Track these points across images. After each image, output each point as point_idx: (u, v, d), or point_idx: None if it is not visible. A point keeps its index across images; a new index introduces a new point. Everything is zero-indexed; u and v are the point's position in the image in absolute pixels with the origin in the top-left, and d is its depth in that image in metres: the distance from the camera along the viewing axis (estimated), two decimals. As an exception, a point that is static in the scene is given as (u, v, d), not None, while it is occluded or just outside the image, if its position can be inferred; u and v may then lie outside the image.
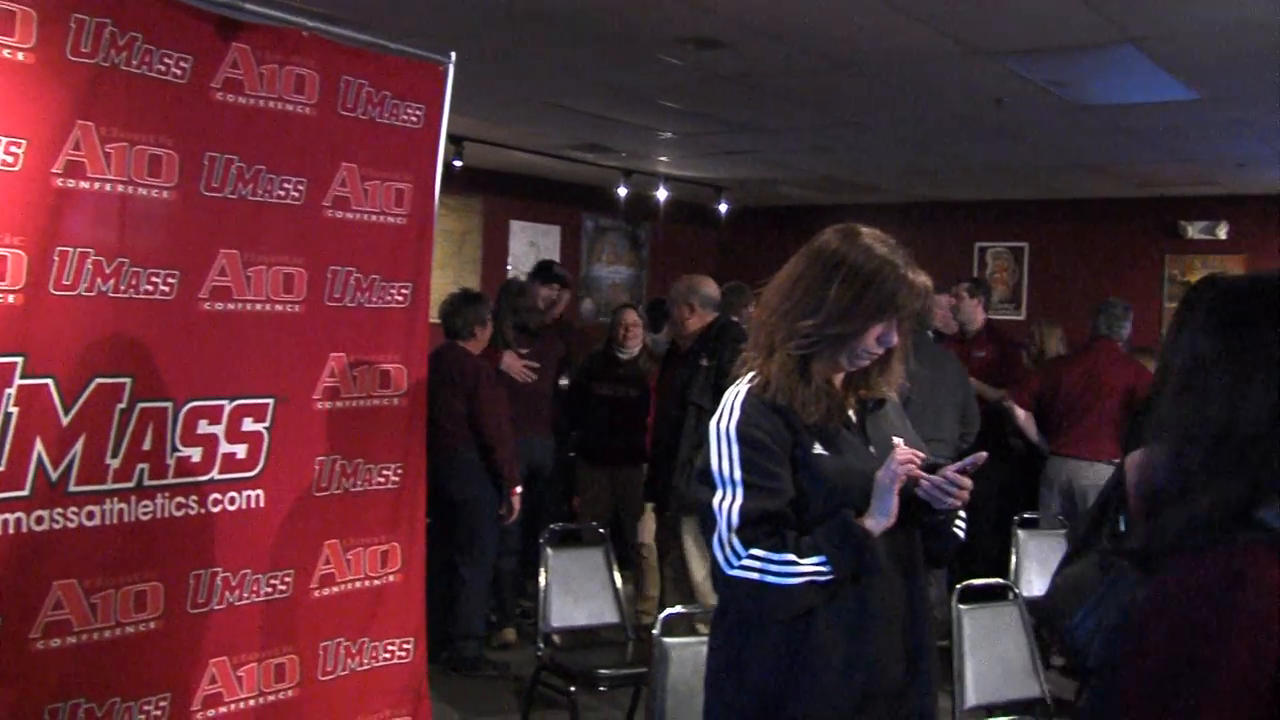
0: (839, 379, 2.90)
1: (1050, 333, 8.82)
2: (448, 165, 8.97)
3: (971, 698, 4.44)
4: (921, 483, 2.77)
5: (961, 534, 2.99)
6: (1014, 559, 5.94)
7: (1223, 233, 11.74)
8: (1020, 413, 7.77)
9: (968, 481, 2.75)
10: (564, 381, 8.19)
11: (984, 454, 2.80)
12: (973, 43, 6.20)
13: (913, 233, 12.99)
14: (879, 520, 2.72)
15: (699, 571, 6.09)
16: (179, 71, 3.85)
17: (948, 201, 12.94)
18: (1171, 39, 6.00)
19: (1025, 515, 6.29)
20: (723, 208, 12.60)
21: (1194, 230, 11.85)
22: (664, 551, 6.72)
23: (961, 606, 4.54)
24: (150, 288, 3.83)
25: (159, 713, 3.95)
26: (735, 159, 10.68)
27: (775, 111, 8.29)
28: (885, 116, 8.32)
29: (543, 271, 8.50)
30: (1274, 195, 11.35)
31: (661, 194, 11.77)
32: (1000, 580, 5.03)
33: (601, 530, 5.86)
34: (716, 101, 8.08)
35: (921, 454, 2.81)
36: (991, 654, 4.57)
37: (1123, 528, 3.44)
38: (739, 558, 2.66)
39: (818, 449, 2.76)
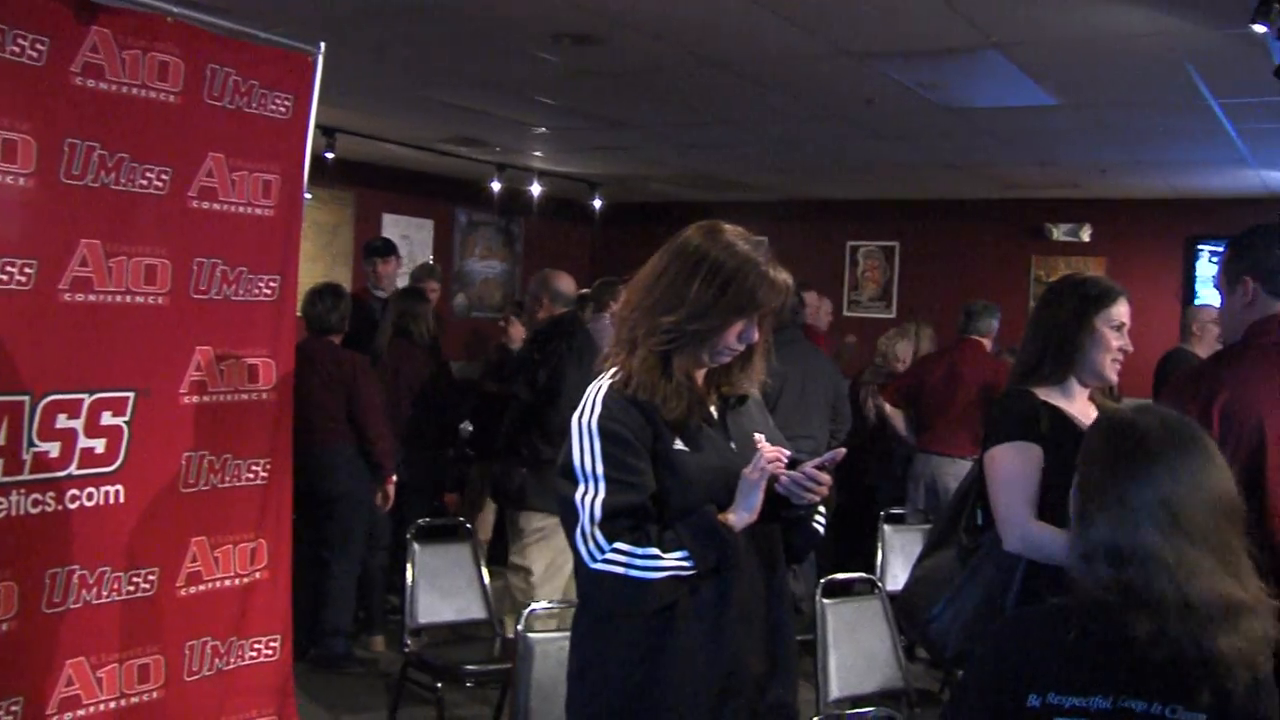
0: (701, 375, 2.91)
1: (922, 331, 9.00)
2: (319, 157, 8.93)
3: (835, 690, 4.49)
4: (781, 478, 2.79)
5: (821, 529, 3.03)
6: (880, 554, 6.03)
7: (1086, 235, 12.05)
8: (889, 409, 7.92)
9: (826, 478, 2.78)
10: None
11: (843, 450, 2.85)
12: (842, 44, 6.28)
13: (785, 231, 13.21)
14: (742, 516, 2.75)
15: (517, 564, 6.09)
16: (35, 54, 3.75)
17: (820, 200, 13.08)
18: (1034, 45, 6.13)
19: (891, 511, 6.39)
20: (596, 203, 12.62)
21: (1059, 232, 12.14)
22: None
23: (826, 600, 4.59)
24: (5, 277, 3.73)
25: (10, 718, 3.85)
26: (609, 155, 10.69)
27: (649, 108, 8.32)
28: (757, 115, 8.38)
29: (378, 249, 8.49)
30: (1134, 200, 11.69)
31: (535, 189, 11.74)
32: (863, 575, 5.11)
33: (469, 525, 5.84)
34: (591, 97, 8.09)
35: (786, 451, 2.84)
36: (855, 647, 4.63)
37: (979, 521, 3.53)
38: (602, 552, 2.67)
39: (678, 445, 2.77)
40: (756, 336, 2.87)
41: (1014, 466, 3.41)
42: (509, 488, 5.99)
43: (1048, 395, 3.51)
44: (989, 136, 8.74)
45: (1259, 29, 4.75)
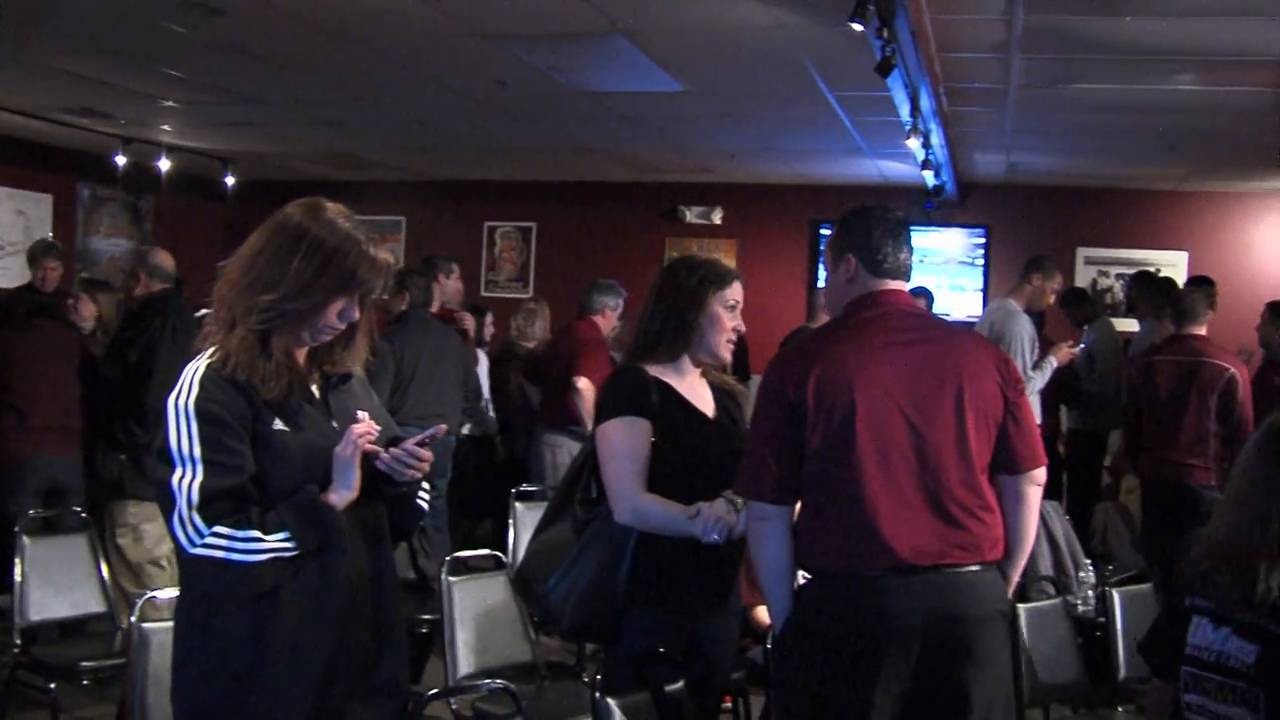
0: (302, 354, 2.88)
1: (542, 310, 9.14)
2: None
3: (463, 666, 4.51)
4: (383, 456, 2.80)
5: (425, 506, 3.06)
6: (511, 530, 6.08)
7: (718, 218, 12.51)
8: (527, 385, 8.07)
9: (426, 454, 2.81)
10: None
11: (443, 426, 2.90)
12: (473, 25, 6.30)
13: (424, 210, 13.18)
14: (342, 494, 2.74)
15: (121, 559, 5.90)
16: None
17: (458, 180, 13.06)
18: (658, 33, 6.32)
19: (522, 488, 6.44)
20: (229, 180, 12.23)
21: (691, 215, 12.55)
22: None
23: (451, 579, 4.60)
24: None
25: None
26: (242, 130, 10.38)
27: (279, 84, 8.14)
28: (390, 93, 8.32)
29: None
30: (762, 185, 12.19)
31: (164, 164, 11.28)
32: (489, 551, 5.15)
33: (85, 515, 5.58)
34: (221, 71, 7.86)
35: (379, 426, 2.84)
36: (483, 623, 4.65)
37: (594, 494, 3.63)
38: (201, 536, 2.61)
39: (278, 425, 2.74)
40: (358, 315, 2.85)
41: (624, 440, 3.52)
42: (106, 476, 5.75)
43: (660, 372, 3.64)
44: (620, 120, 8.94)
45: (857, 27, 5.03)
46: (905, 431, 3.18)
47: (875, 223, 3.42)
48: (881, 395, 3.18)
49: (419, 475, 2.84)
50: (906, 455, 3.17)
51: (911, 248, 3.45)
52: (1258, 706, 2.70)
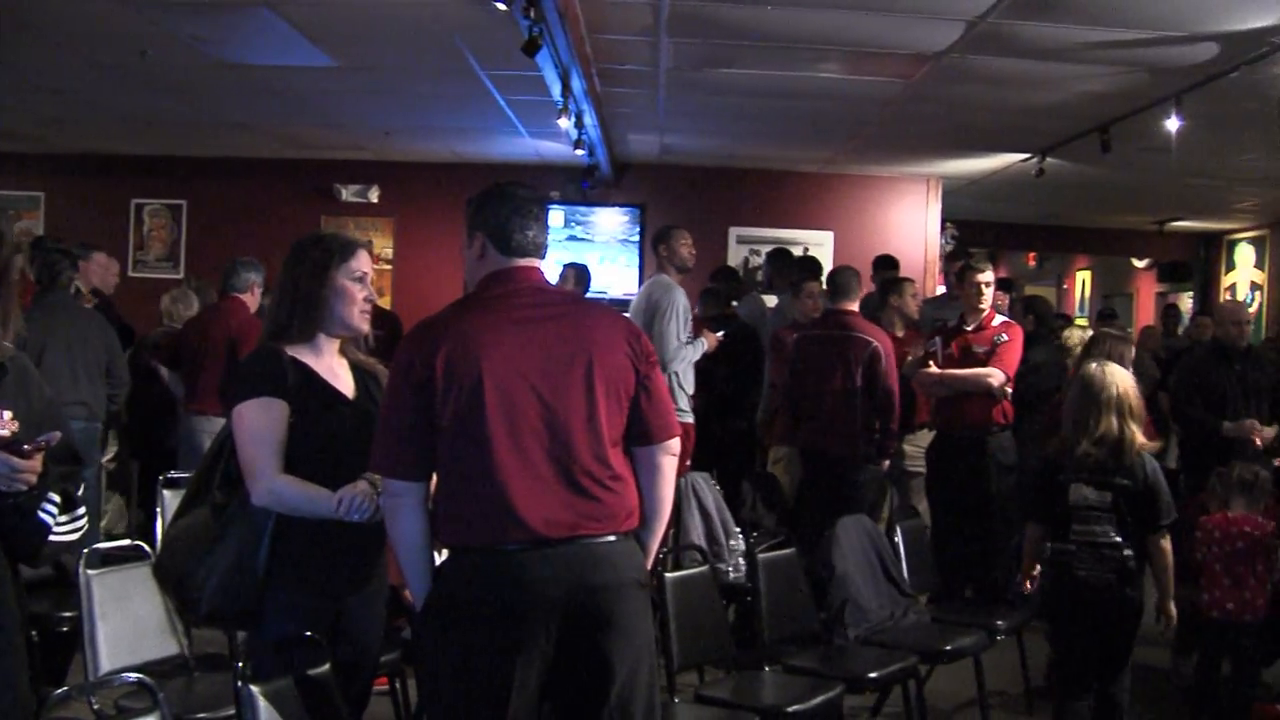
0: None
1: (206, 290, 8.85)
2: None
3: (105, 664, 4.32)
4: None
5: (50, 520, 2.80)
6: (160, 518, 5.86)
7: (374, 196, 12.35)
8: (164, 370, 7.83)
9: (28, 464, 2.59)
10: None
11: (57, 434, 2.70)
12: (112, -12, 6.02)
13: (63, 186, 12.50)
14: None
15: None
16: None
17: (101, 154, 12.40)
18: (305, 5, 6.18)
19: (171, 475, 6.22)
20: None
21: (348, 193, 12.33)
22: None
23: (90, 572, 4.40)
24: None
25: None
26: None
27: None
28: (24, 59, 7.81)
29: None
30: (420, 163, 12.11)
31: None
32: (130, 541, 4.97)
33: None
34: None
35: (14, 427, 2.60)
36: (127, 617, 4.47)
37: (233, 476, 3.55)
38: None
39: None
40: None
41: (259, 421, 3.47)
42: None
43: (297, 352, 3.60)
44: (270, 95, 8.71)
45: (502, 6, 5.05)
46: (535, 406, 3.24)
47: (505, 202, 3.47)
48: (510, 371, 3.24)
49: (24, 486, 2.59)
50: (536, 429, 3.24)
51: (546, 226, 3.52)
52: (1111, 524, 4.94)
